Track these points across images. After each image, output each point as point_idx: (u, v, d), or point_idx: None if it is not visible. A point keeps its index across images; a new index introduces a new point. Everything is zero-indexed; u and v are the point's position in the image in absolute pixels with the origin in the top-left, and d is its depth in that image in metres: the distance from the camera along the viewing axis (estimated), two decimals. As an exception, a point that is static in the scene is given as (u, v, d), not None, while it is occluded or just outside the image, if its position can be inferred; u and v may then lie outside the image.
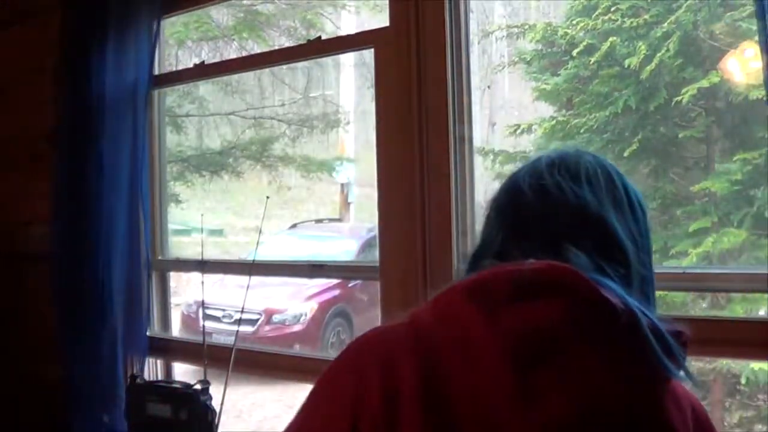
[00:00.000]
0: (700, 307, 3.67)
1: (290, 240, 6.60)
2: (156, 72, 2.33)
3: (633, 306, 0.69)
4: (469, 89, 1.78)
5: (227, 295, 5.11)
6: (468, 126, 1.78)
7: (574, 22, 4.27)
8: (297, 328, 5.62)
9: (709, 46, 3.82)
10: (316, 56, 2.30)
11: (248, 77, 7.36)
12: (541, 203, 0.80)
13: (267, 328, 5.51)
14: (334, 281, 5.63)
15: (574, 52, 4.15)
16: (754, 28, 1.29)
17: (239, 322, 2.24)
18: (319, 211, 8.86)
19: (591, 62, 4.08)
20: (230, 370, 1.94)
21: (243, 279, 2.16)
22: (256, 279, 2.10)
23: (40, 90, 2.39)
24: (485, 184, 5.85)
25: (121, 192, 2.17)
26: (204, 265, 2.23)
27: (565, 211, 0.78)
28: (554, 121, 4.25)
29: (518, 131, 4.79)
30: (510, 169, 4.78)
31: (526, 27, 5.04)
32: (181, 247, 6.02)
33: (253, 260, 2.16)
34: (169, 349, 2.35)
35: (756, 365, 3.55)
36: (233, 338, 2.00)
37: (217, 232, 8.67)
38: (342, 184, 7.81)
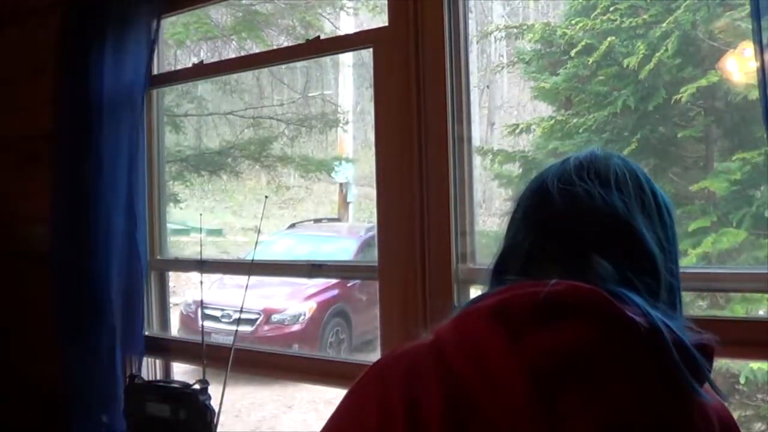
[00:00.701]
0: (700, 307, 3.67)
1: (289, 240, 6.61)
2: (154, 71, 2.33)
3: (657, 322, 0.69)
4: (467, 89, 1.78)
5: (226, 294, 5.12)
6: (467, 125, 1.78)
7: (573, 21, 4.27)
8: (296, 327, 5.62)
9: (708, 45, 3.82)
10: (315, 56, 2.30)
11: (247, 77, 7.38)
12: (570, 210, 0.79)
13: (266, 327, 5.50)
14: (333, 281, 5.63)
15: (573, 52, 4.16)
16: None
17: (238, 321, 2.24)
18: (318, 210, 8.87)
19: (590, 62, 4.09)
20: (229, 369, 1.94)
21: (242, 279, 2.16)
22: (255, 279, 2.09)
23: (39, 90, 2.38)
24: (484, 184, 5.86)
25: (119, 191, 2.17)
26: (203, 265, 2.23)
27: (594, 218, 0.78)
28: (553, 121, 4.26)
29: (517, 131, 4.80)
30: (509, 168, 4.79)
31: (525, 27, 5.06)
32: (179, 246, 6.04)
33: (252, 260, 2.15)
34: (168, 349, 2.34)
35: (755, 365, 3.56)
36: (232, 338, 2.00)
37: (216, 232, 8.67)
38: (341, 184, 7.81)
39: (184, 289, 6.23)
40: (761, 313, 3.51)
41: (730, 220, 3.63)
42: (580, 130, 4.07)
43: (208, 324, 4.79)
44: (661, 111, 3.91)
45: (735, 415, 0.80)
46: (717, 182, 3.66)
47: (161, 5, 2.25)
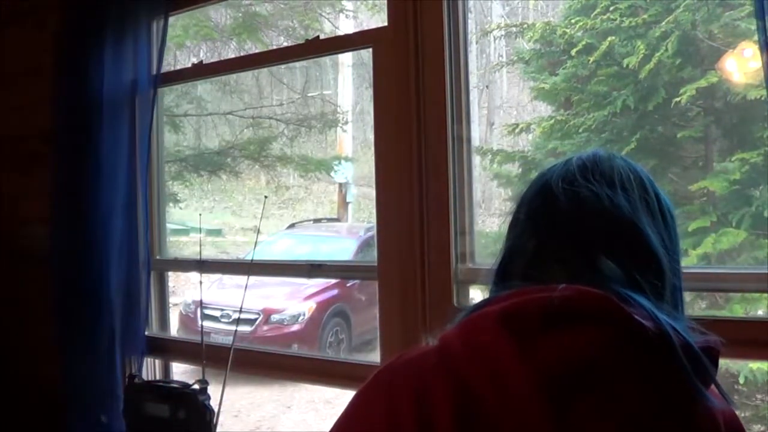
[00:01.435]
0: (699, 306, 3.67)
1: (288, 240, 6.60)
2: (154, 71, 2.33)
3: (665, 326, 0.69)
4: (467, 89, 1.78)
5: (225, 294, 5.11)
6: (466, 125, 1.78)
7: (572, 21, 4.28)
8: (295, 327, 5.62)
9: (708, 45, 3.82)
10: (315, 56, 2.29)
11: (246, 77, 7.38)
12: (576, 210, 0.79)
13: (265, 327, 5.50)
14: (333, 281, 5.63)
15: (573, 52, 4.16)
16: (753, 27, 1.29)
17: (237, 321, 2.24)
18: (318, 210, 8.87)
19: (589, 62, 4.09)
20: (228, 369, 1.94)
21: (241, 279, 2.16)
22: (254, 279, 2.10)
23: (38, 89, 2.38)
24: (483, 184, 5.86)
25: (119, 191, 2.17)
26: (202, 265, 2.23)
27: (599, 218, 0.78)
28: (552, 121, 4.26)
29: (516, 130, 4.80)
30: (508, 168, 4.79)
31: (525, 26, 5.06)
32: (179, 246, 6.04)
33: (252, 260, 2.15)
34: (168, 349, 2.34)
35: (754, 365, 3.56)
36: (231, 338, 2.00)
37: (216, 232, 8.67)
38: (340, 184, 7.80)
39: (184, 289, 6.24)
40: (760, 313, 3.51)
41: (730, 220, 3.63)
42: (580, 130, 4.07)
43: (207, 324, 4.79)
44: (660, 111, 3.91)
45: (735, 415, 0.80)
46: (716, 182, 3.66)
47: (161, 5, 2.24)
